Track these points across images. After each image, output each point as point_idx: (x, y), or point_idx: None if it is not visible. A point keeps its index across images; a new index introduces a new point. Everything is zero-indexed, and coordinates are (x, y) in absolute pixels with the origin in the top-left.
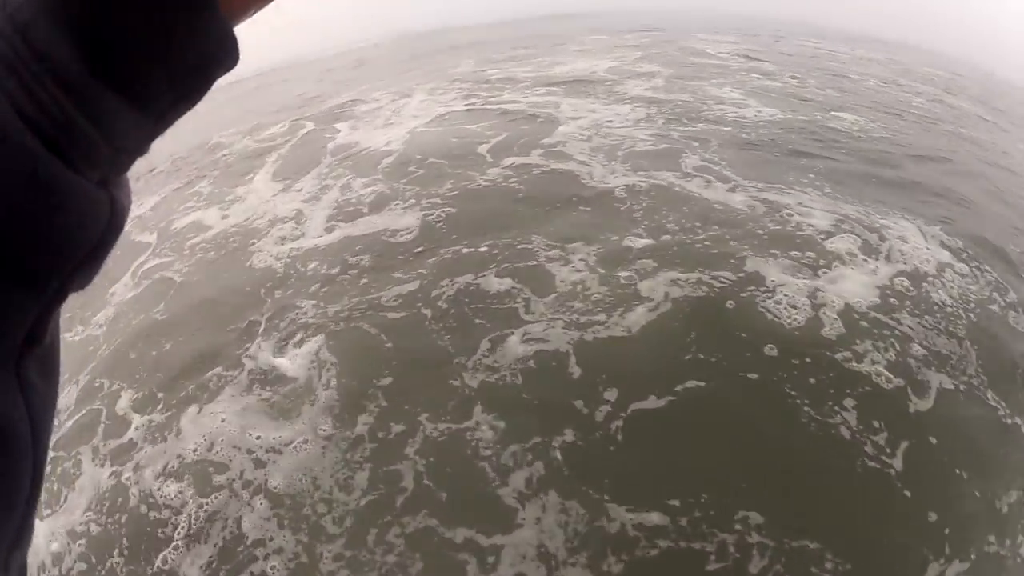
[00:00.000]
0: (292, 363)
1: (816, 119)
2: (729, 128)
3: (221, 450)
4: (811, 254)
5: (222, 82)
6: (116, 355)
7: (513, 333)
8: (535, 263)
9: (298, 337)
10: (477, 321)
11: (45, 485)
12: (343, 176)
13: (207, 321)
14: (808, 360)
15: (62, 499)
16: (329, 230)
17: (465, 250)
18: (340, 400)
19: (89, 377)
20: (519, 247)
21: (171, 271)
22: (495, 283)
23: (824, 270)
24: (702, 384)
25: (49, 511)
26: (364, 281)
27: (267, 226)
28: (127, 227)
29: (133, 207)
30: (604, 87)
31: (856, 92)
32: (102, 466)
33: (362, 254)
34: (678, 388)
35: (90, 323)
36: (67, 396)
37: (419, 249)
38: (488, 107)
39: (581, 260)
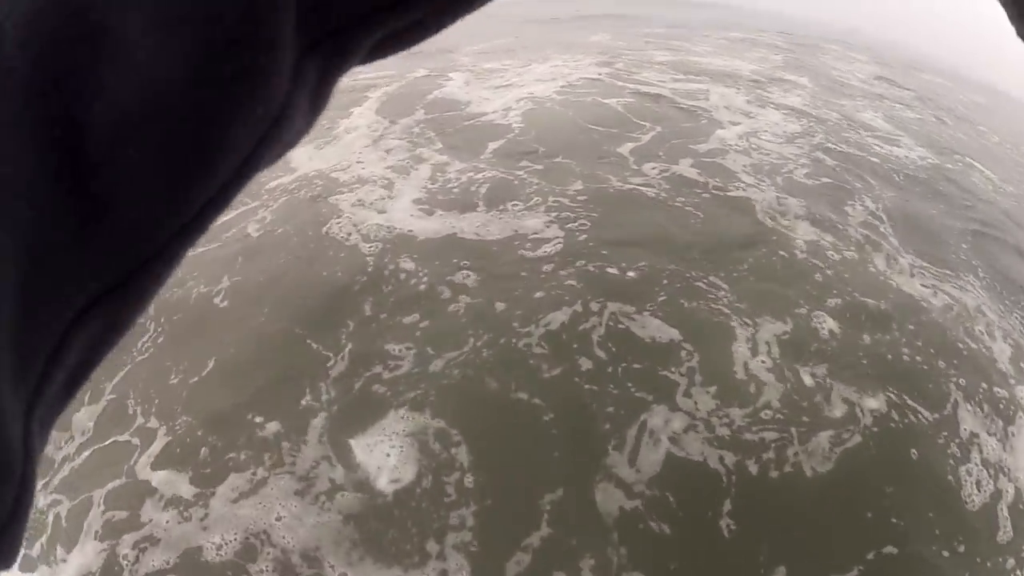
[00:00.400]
0: (395, 447)
1: (958, 170)
2: (877, 160)
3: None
4: (1002, 395)
5: None
6: (156, 367)
7: (659, 414)
8: (705, 308)
9: (403, 396)
10: (631, 386)
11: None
12: (448, 147)
13: (274, 336)
14: (988, 565)
15: (55, 553)
16: (429, 214)
17: (611, 269)
18: (482, 531)
19: (120, 392)
20: (690, 284)
21: (249, 221)
22: (655, 328)
23: (1011, 428)
24: (894, 552)
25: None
26: (501, 305)
27: (351, 187)
28: None
29: None
30: (750, 88)
31: (982, 145)
32: (105, 535)
33: (479, 261)
34: (870, 556)
35: None
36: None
37: (551, 263)
38: (626, 85)
39: (765, 341)
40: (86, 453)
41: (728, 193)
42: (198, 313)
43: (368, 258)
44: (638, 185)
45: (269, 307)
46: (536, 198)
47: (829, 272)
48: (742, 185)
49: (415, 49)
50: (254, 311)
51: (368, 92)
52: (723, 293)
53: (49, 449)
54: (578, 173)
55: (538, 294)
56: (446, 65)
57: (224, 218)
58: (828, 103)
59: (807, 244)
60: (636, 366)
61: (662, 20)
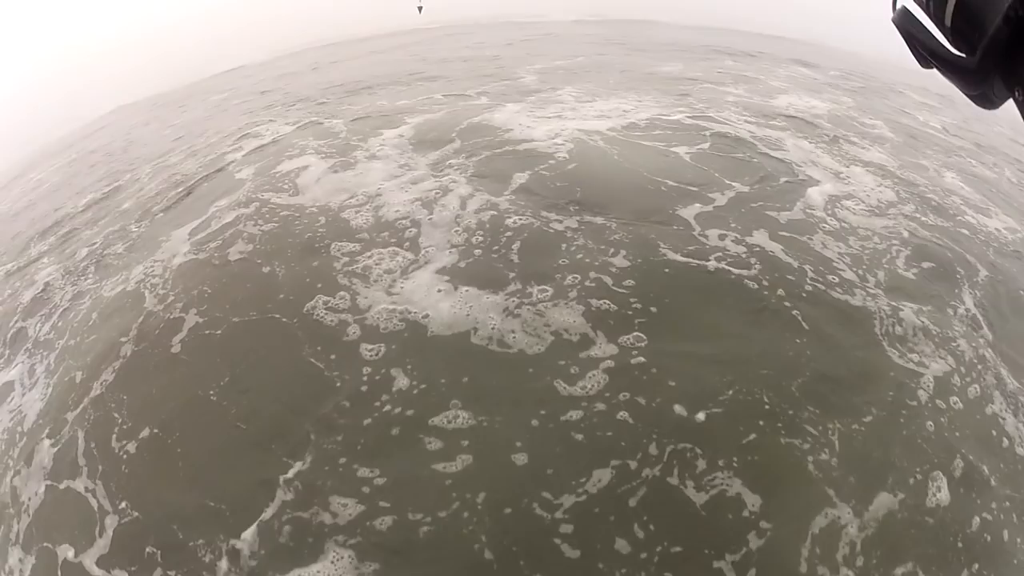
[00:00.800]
0: None
1: None
2: (967, 232)
3: None
4: None
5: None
6: (103, 414)
7: None
8: (795, 465)
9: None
10: None
11: None
12: (480, 186)
13: (221, 435)
14: None
15: None
16: (452, 289)
17: (679, 409)
18: None
19: (74, 431)
20: (787, 430)
21: (239, 240)
22: (726, 485)
23: None
24: None
25: None
26: (522, 458)
27: (359, 238)
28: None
29: (266, 130)
30: (830, 138)
31: None
32: None
33: (498, 386)
34: None
35: (130, 275)
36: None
37: (590, 386)
38: (696, 125)
39: (856, 527)
40: (43, 492)
41: (832, 295)
42: (155, 355)
43: (365, 368)
44: (704, 266)
45: (223, 389)
46: (573, 276)
47: (944, 419)
48: (843, 282)
49: (479, 71)
50: (208, 383)
51: (406, 116)
52: (822, 448)
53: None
54: (623, 240)
55: (578, 435)
56: (503, 87)
57: (211, 226)
58: (912, 164)
59: (931, 382)
60: (676, 549)
61: (735, 50)
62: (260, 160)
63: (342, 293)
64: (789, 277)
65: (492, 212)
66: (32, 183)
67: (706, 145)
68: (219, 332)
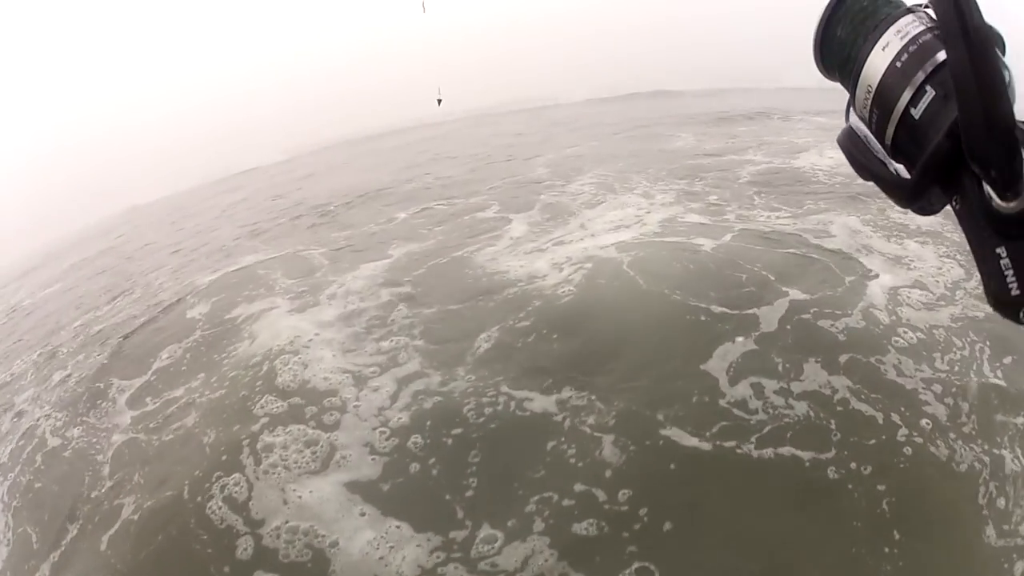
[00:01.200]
0: None
1: None
2: None
3: None
4: None
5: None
6: None
7: None
8: None
9: None
10: None
11: None
12: (439, 343)
13: None
14: None
15: None
16: (374, 514)
17: None
18: None
19: None
20: None
21: (190, 411)
22: None
23: None
24: None
25: None
26: None
27: (287, 399)
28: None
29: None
30: (874, 206)
31: None
32: None
33: None
34: None
35: (71, 438)
36: None
37: None
38: (716, 220)
39: None
40: None
41: (921, 456)
42: (84, 548)
43: None
44: (752, 446)
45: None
46: (547, 494)
47: None
48: (934, 429)
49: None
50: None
51: (393, 245)
52: None
53: None
54: (622, 424)
55: None
56: (510, 188)
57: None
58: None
59: None
60: None
61: (747, 110)
62: (224, 293)
63: (237, 474)
64: (866, 438)
65: (437, 398)
66: (41, 282)
67: (731, 241)
68: (136, 518)
